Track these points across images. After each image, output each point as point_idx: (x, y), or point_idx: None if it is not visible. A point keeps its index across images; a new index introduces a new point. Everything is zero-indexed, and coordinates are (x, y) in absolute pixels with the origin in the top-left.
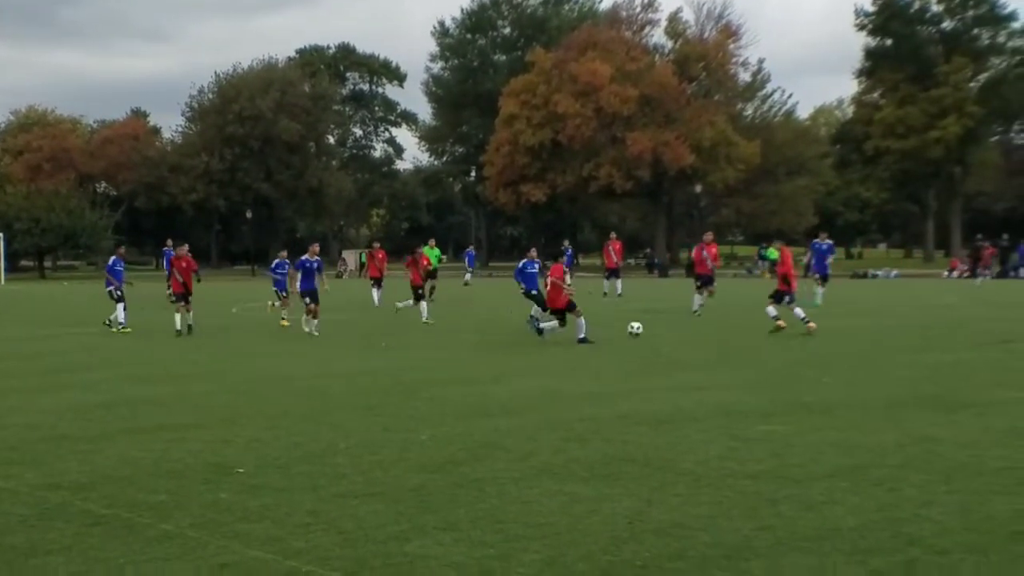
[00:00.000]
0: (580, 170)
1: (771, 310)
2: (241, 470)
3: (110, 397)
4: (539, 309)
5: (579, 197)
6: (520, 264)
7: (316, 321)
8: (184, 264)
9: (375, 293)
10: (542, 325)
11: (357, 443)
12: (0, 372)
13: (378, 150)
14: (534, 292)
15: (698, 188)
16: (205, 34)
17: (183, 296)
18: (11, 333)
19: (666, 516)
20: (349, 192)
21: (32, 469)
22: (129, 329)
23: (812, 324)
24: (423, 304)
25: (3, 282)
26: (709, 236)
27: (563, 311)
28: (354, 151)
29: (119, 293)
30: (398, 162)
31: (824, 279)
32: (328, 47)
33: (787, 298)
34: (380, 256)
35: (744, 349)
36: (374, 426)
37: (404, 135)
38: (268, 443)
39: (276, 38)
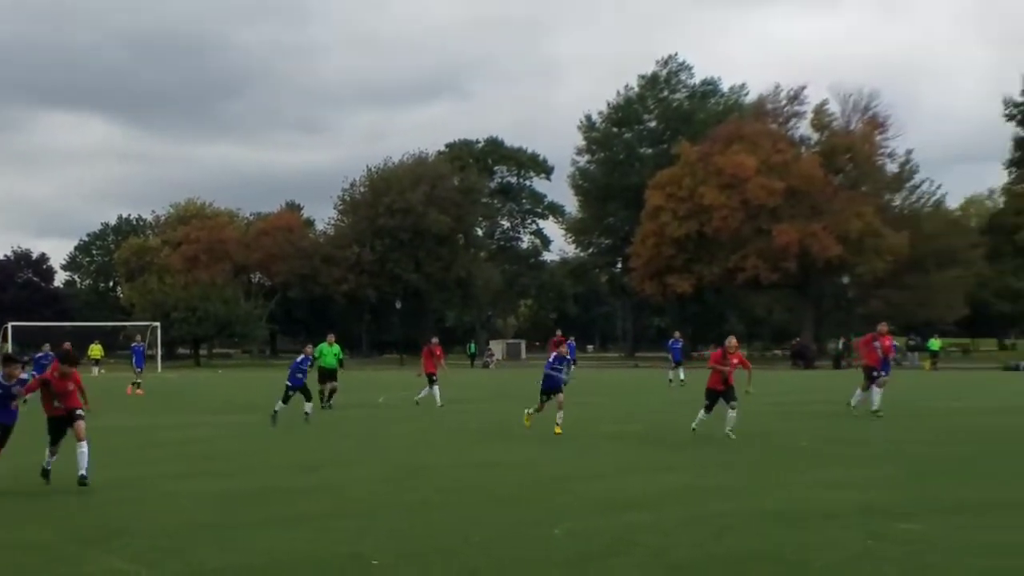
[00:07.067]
0: (726, 261)
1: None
2: (375, 562)
3: (252, 485)
4: None
5: (725, 288)
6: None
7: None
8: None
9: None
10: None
11: (492, 536)
12: (150, 459)
13: (525, 242)
14: None
15: (846, 279)
16: (357, 126)
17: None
18: (164, 421)
19: None
20: (497, 283)
21: (174, 557)
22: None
23: None
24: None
25: (159, 370)
26: (883, 327)
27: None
28: (501, 243)
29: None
30: (545, 253)
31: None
32: (477, 141)
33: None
34: (438, 352)
35: (888, 443)
36: (507, 519)
37: (551, 227)
38: (406, 534)
39: (426, 130)
